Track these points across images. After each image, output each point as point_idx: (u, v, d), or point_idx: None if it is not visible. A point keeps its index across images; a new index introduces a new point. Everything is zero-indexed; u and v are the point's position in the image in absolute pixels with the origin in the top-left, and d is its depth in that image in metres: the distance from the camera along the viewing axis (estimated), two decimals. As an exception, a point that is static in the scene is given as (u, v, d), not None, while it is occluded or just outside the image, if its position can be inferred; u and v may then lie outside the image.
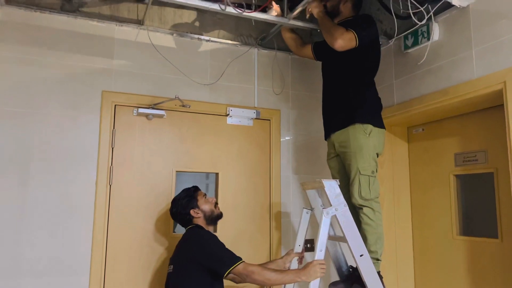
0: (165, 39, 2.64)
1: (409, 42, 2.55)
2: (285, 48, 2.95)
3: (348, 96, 2.26)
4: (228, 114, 2.73)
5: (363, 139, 2.18)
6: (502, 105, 2.05)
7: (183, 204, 2.17)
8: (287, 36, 2.72)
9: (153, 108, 2.51)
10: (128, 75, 2.52)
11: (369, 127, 2.19)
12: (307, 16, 2.45)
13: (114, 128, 2.46)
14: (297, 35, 2.72)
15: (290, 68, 2.99)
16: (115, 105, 2.47)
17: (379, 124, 2.24)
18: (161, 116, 2.54)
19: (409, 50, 2.57)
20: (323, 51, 2.51)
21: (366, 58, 2.27)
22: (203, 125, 2.69)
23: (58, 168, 2.30)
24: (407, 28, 2.54)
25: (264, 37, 2.84)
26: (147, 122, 2.55)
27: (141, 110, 2.48)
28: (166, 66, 2.61)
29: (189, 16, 2.74)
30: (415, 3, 2.25)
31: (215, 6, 2.27)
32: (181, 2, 2.21)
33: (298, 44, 2.71)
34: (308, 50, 2.64)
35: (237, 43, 2.83)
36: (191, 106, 2.59)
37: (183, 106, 2.54)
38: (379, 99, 2.33)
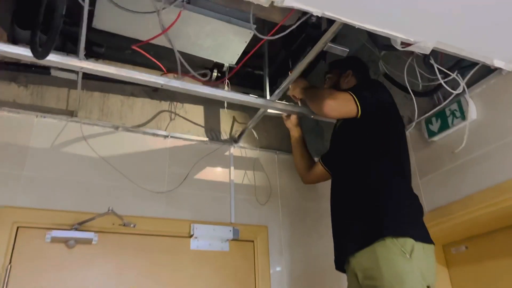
0: (106, 135, 1.95)
1: (435, 126, 1.91)
2: (269, 145, 2.29)
3: (369, 194, 1.51)
4: (193, 235, 1.89)
5: (402, 262, 1.36)
6: None
7: None
8: (296, 145, 2.09)
9: (76, 230, 1.67)
10: (45, 183, 1.75)
11: (409, 242, 1.39)
12: (297, 102, 1.90)
13: (10, 263, 1.58)
14: (307, 150, 2.11)
15: (277, 170, 2.27)
16: (17, 227, 1.64)
17: (423, 236, 1.45)
18: (89, 242, 1.70)
19: (436, 138, 1.91)
20: (332, 155, 1.87)
21: (386, 134, 1.59)
22: (155, 254, 1.83)
23: None
24: (427, 110, 1.94)
25: (243, 131, 2.18)
26: (66, 251, 1.69)
27: (57, 234, 1.64)
28: (104, 169, 1.87)
29: (142, 107, 2.10)
30: (446, 70, 1.66)
31: (174, 83, 1.63)
32: (117, 75, 1.57)
33: (308, 166, 2.06)
34: (318, 166, 2.00)
35: (206, 139, 2.15)
36: (138, 224, 1.76)
37: (124, 225, 1.72)
38: (416, 197, 1.58)
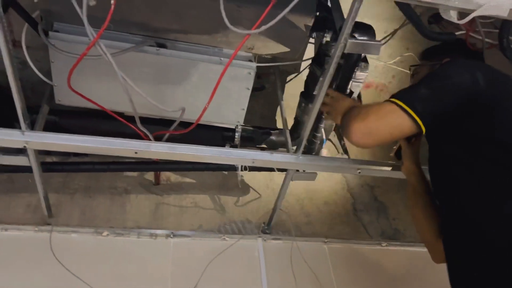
0: (86, 245, 1.45)
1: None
2: (313, 232, 1.67)
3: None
4: None
5: None
6: None
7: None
8: (417, 197, 1.13)
9: None
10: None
11: None
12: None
13: None
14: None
15: (331, 267, 1.59)
16: None
17: None
18: None
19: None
20: None
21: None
22: None
23: None
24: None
25: (271, 215, 1.60)
26: None
27: None
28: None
29: (137, 204, 1.63)
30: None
31: (156, 147, 1.18)
32: (70, 147, 1.15)
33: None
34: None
35: (221, 234, 1.58)
36: None
37: None
38: None
